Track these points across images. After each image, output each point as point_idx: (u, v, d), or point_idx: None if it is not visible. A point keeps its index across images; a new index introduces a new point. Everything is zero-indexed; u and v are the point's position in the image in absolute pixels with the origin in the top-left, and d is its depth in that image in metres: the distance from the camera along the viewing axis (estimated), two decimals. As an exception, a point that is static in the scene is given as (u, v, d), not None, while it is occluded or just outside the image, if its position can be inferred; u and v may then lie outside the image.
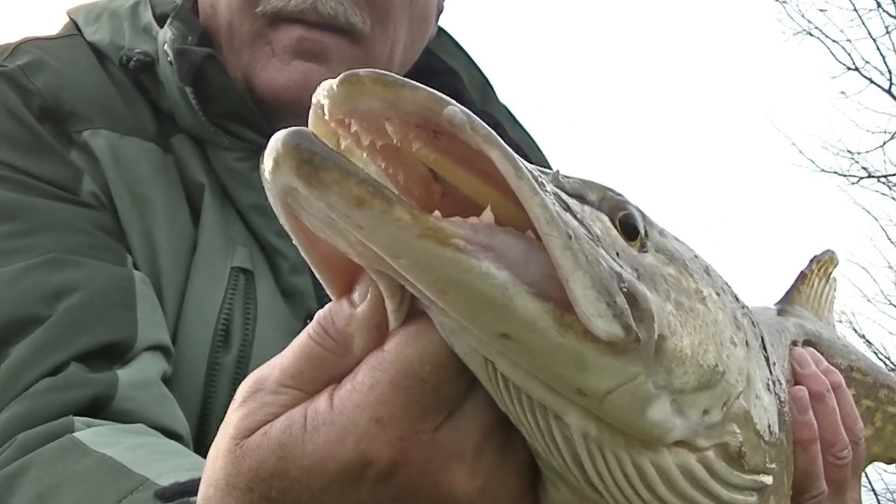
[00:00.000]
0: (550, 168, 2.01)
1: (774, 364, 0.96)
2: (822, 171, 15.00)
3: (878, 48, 14.66)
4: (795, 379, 1.22)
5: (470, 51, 1.95)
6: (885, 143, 14.58)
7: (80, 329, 1.34)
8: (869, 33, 14.63)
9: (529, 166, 0.71)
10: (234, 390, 0.81)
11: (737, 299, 0.91)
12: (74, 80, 1.59)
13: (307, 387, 0.78)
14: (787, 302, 1.46)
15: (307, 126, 0.71)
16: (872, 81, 14.63)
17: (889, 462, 1.59)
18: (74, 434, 1.18)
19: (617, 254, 0.75)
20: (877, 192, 14.98)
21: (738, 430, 0.81)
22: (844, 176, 14.89)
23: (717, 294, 0.84)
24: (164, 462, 1.10)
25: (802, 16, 15.02)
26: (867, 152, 14.78)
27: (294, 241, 0.75)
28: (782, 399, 0.97)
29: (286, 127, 0.67)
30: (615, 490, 0.77)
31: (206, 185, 1.59)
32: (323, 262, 0.77)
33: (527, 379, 0.72)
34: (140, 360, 1.38)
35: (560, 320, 0.68)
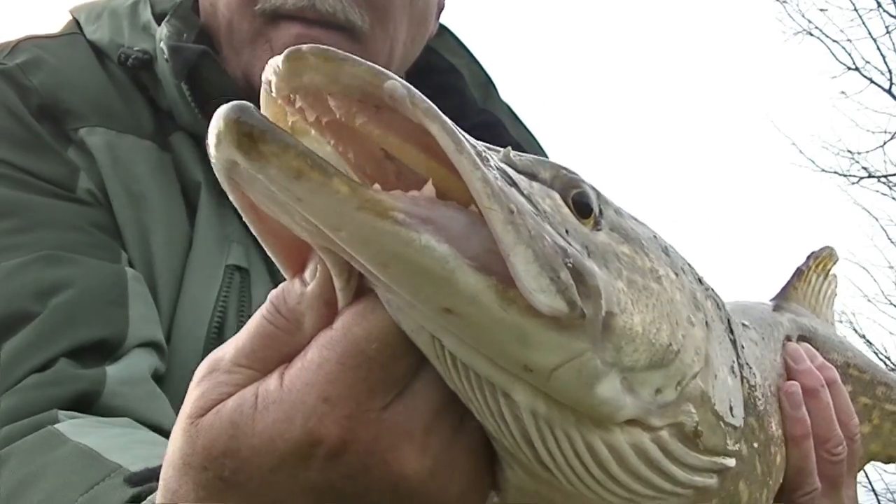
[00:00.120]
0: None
1: (743, 348, 0.95)
2: (823, 171, 15.03)
3: (878, 48, 14.68)
4: (788, 374, 1.21)
5: (472, 49, 1.96)
6: (885, 143, 14.58)
7: (71, 325, 1.36)
8: (869, 33, 14.64)
9: (473, 141, 0.71)
10: None
11: (700, 281, 0.90)
12: (72, 79, 1.61)
13: (261, 366, 0.78)
14: (782, 298, 1.44)
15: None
16: (873, 81, 14.63)
17: (887, 461, 1.56)
18: (55, 425, 1.19)
19: (566, 231, 0.75)
20: (877, 192, 15.02)
21: (693, 410, 0.80)
22: (845, 176, 14.90)
23: (676, 274, 0.83)
24: (138, 450, 1.11)
25: (803, 15, 15.06)
26: (867, 152, 14.80)
27: (244, 219, 0.76)
28: (753, 384, 0.95)
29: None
30: (567, 469, 0.76)
31: (202, 182, 1.60)
32: (274, 240, 0.77)
33: (473, 355, 0.72)
34: (130, 356, 1.39)
35: (503, 295, 0.68)
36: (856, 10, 14.58)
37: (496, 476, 0.82)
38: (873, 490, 14.16)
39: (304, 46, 0.69)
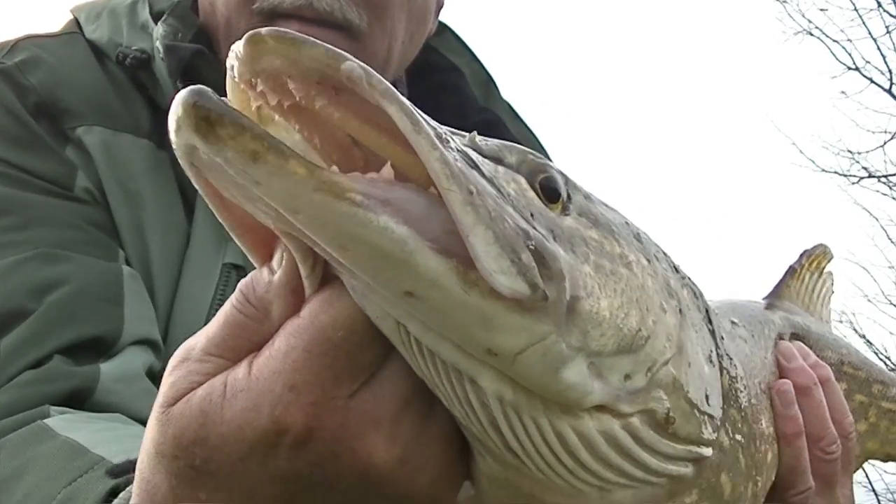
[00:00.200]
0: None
1: (723, 339, 0.93)
2: (823, 170, 15.01)
3: (878, 48, 14.65)
4: (781, 372, 1.20)
5: (473, 48, 1.96)
6: (885, 143, 14.56)
7: (66, 323, 1.36)
8: (869, 33, 14.62)
9: (433, 123, 0.71)
10: None
11: (675, 269, 0.89)
12: (70, 78, 1.62)
13: (231, 354, 0.78)
14: (775, 296, 1.42)
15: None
16: (873, 81, 14.60)
17: (885, 459, 1.54)
18: (44, 420, 1.20)
19: (531, 214, 0.74)
20: (877, 191, 15.00)
21: (664, 397, 0.79)
22: (845, 176, 14.88)
23: (648, 261, 0.82)
24: (123, 443, 1.11)
25: (803, 15, 15.04)
26: (867, 152, 14.78)
27: (211, 207, 0.75)
28: (734, 375, 0.94)
29: None
30: (536, 457, 0.75)
31: None
32: (241, 228, 0.77)
33: (438, 341, 0.71)
34: (125, 354, 1.40)
35: (464, 277, 0.67)
36: (856, 9, 14.60)
37: (470, 466, 0.82)
38: (873, 490, 14.14)
39: (264, 30, 0.68)
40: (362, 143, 0.73)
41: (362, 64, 0.67)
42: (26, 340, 1.34)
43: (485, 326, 0.69)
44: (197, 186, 0.73)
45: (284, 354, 0.74)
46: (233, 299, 0.79)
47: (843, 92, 14.64)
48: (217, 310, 1.52)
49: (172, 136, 0.68)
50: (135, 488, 0.82)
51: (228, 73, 0.72)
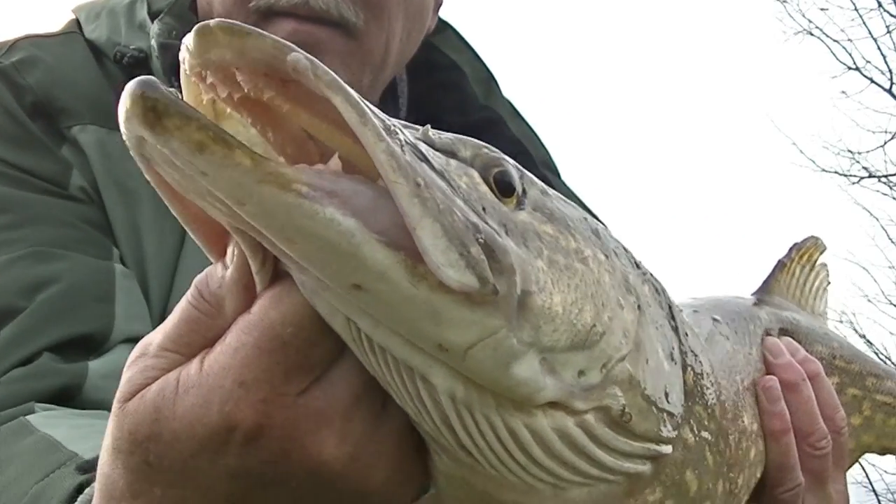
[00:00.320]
0: (553, 166, 1.97)
1: (687, 335, 0.92)
2: (823, 170, 15.01)
3: (878, 48, 14.63)
4: (767, 368, 1.19)
5: (476, 46, 1.96)
6: (885, 143, 14.55)
7: (55, 320, 1.37)
8: (870, 33, 14.60)
9: (381, 115, 0.70)
10: None
11: (636, 265, 0.88)
12: (67, 77, 1.62)
13: (186, 350, 0.78)
14: (764, 291, 1.40)
15: None
16: (873, 81, 14.59)
17: (882, 452, 1.51)
18: (26, 416, 1.20)
19: (483, 208, 0.73)
20: (877, 191, 15.00)
21: (619, 394, 0.78)
22: (845, 176, 14.87)
23: (606, 256, 0.81)
24: (98, 439, 1.11)
25: (803, 15, 15.05)
26: (868, 152, 14.77)
27: (164, 201, 0.75)
28: (699, 372, 0.93)
29: None
30: (489, 454, 0.75)
31: None
32: (195, 222, 0.76)
33: (389, 337, 0.71)
34: (115, 352, 1.40)
35: (412, 270, 0.67)
36: (856, 9, 14.60)
37: (428, 465, 0.81)
38: (873, 490, 14.12)
39: (212, 22, 0.68)
40: (313, 134, 0.73)
41: (308, 55, 0.67)
42: (15, 338, 1.34)
43: (434, 320, 0.68)
44: (149, 178, 0.73)
45: (234, 350, 0.74)
46: (188, 295, 0.79)
47: (843, 92, 14.70)
48: None
49: (122, 127, 0.69)
50: (96, 483, 0.83)
51: (181, 66, 0.72)
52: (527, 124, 1.92)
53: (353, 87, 1.80)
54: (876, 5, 14.47)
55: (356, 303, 0.70)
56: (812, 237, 1.53)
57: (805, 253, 1.51)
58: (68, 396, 1.31)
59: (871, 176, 14.72)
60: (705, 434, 0.92)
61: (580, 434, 0.76)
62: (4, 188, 1.50)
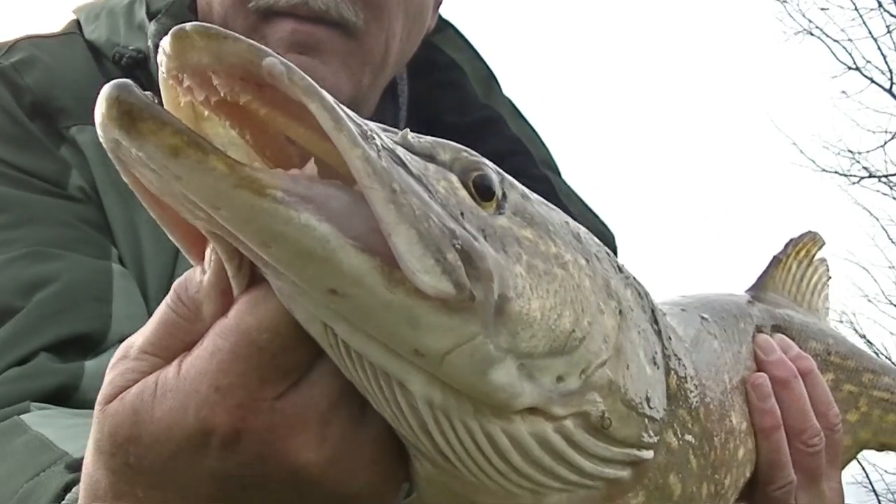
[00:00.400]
0: (554, 165, 1.96)
1: (670, 339, 0.92)
2: (823, 170, 14.98)
3: (878, 48, 14.59)
4: (759, 366, 1.19)
5: (478, 45, 1.95)
6: (885, 143, 14.53)
7: (52, 320, 1.37)
8: (870, 33, 14.56)
9: (359, 120, 0.70)
10: None
11: (619, 269, 0.87)
12: (65, 77, 1.63)
13: (165, 353, 0.78)
14: (758, 288, 1.39)
15: None
16: (873, 81, 14.55)
17: (880, 449, 1.50)
18: (21, 416, 1.21)
19: (462, 213, 0.73)
20: (878, 191, 14.97)
21: (599, 399, 0.77)
22: (845, 176, 14.85)
23: (587, 261, 0.81)
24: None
25: (803, 15, 15.01)
26: (868, 152, 14.74)
27: (143, 204, 0.75)
28: (683, 375, 0.92)
29: None
30: (468, 460, 0.74)
31: None
32: (174, 225, 0.76)
33: (366, 343, 0.70)
34: (111, 352, 1.39)
35: (389, 276, 0.67)
36: (856, 9, 14.56)
37: (409, 469, 0.81)
38: (874, 490, 14.14)
39: (188, 25, 0.68)
40: (292, 138, 0.73)
41: (284, 60, 0.67)
42: (12, 338, 1.35)
43: (411, 326, 0.68)
44: (126, 181, 0.73)
45: (211, 355, 0.74)
46: (167, 299, 0.79)
47: (843, 92, 14.68)
48: None
49: (98, 130, 0.69)
50: (81, 483, 0.83)
51: (160, 70, 0.72)
52: (527, 123, 1.91)
53: (353, 87, 1.78)
54: (876, 5, 14.48)
55: (332, 308, 0.69)
56: (809, 232, 1.51)
57: (802, 248, 1.49)
58: (64, 396, 1.31)
59: (871, 176, 14.72)
60: (689, 437, 0.92)
61: (559, 440, 0.76)
62: (3, 188, 1.51)
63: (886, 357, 13.84)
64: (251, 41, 0.67)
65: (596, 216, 1.86)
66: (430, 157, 0.76)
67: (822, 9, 14.56)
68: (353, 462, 0.77)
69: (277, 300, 0.73)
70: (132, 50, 1.64)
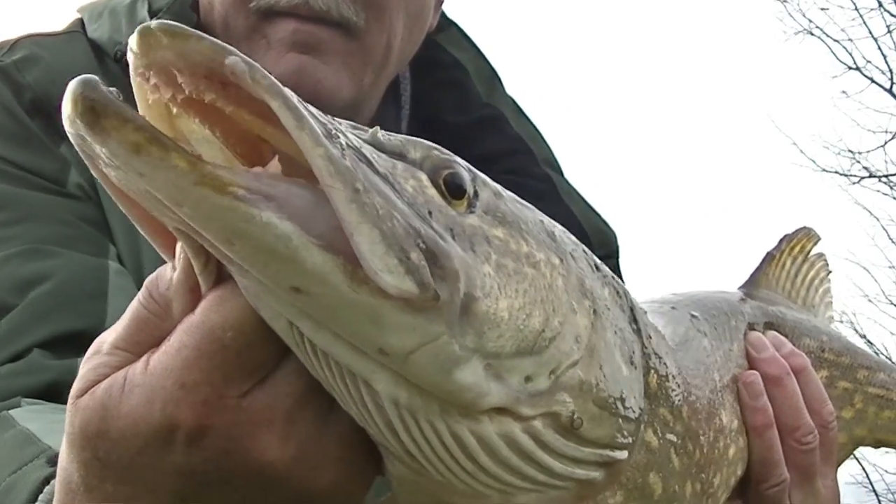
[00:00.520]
0: (556, 164, 1.95)
1: (651, 337, 0.91)
2: (824, 170, 14.87)
3: (879, 47, 14.47)
4: (751, 363, 1.18)
5: (481, 44, 1.95)
6: (886, 143, 14.42)
7: (46, 317, 1.38)
8: (870, 32, 14.43)
9: (323, 118, 0.70)
10: None
11: (595, 268, 0.86)
12: (66, 75, 1.63)
13: (136, 349, 0.79)
14: (751, 285, 1.37)
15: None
16: (874, 81, 14.43)
17: (876, 445, 1.48)
18: (9, 411, 1.21)
19: (429, 212, 0.72)
20: (878, 191, 14.86)
21: (569, 400, 0.77)
22: (846, 175, 14.74)
23: (560, 260, 0.80)
24: None
25: (803, 15, 14.86)
26: (868, 152, 14.63)
27: (114, 199, 0.75)
28: (664, 374, 0.91)
29: None
30: (435, 460, 0.74)
31: None
32: (146, 221, 0.76)
33: (331, 341, 0.70)
34: None
35: (352, 275, 0.66)
36: (857, 9, 14.43)
37: (384, 468, 0.81)
38: (874, 490, 14.05)
39: (153, 23, 0.68)
40: (259, 135, 0.73)
41: (247, 59, 0.67)
42: (6, 334, 1.35)
43: (375, 325, 0.68)
44: (96, 176, 0.73)
45: (177, 351, 0.75)
46: (139, 295, 0.80)
47: (843, 91, 14.57)
48: None
49: (65, 125, 0.69)
50: (56, 476, 0.84)
51: (130, 66, 0.72)
52: (530, 122, 1.91)
53: (354, 87, 1.78)
54: (876, 5, 14.36)
55: (297, 306, 0.69)
56: (804, 228, 1.49)
57: (797, 244, 1.47)
58: (57, 393, 1.32)
59: (871, 176, 14.62)
60: (670, 436, 0.91)
61: (527, 440, 0.75)
62: (2, 185, 1.52)
63: (887, 357, 13.77)
64: (214, 39, 0.67)
65: (598, 215, 1.85)
66: (399, 156, 0.75)
67: (823, 9, 14.50)
68: (318, 460, 0.77)
69: (243, 298, 0.73)
70: None
